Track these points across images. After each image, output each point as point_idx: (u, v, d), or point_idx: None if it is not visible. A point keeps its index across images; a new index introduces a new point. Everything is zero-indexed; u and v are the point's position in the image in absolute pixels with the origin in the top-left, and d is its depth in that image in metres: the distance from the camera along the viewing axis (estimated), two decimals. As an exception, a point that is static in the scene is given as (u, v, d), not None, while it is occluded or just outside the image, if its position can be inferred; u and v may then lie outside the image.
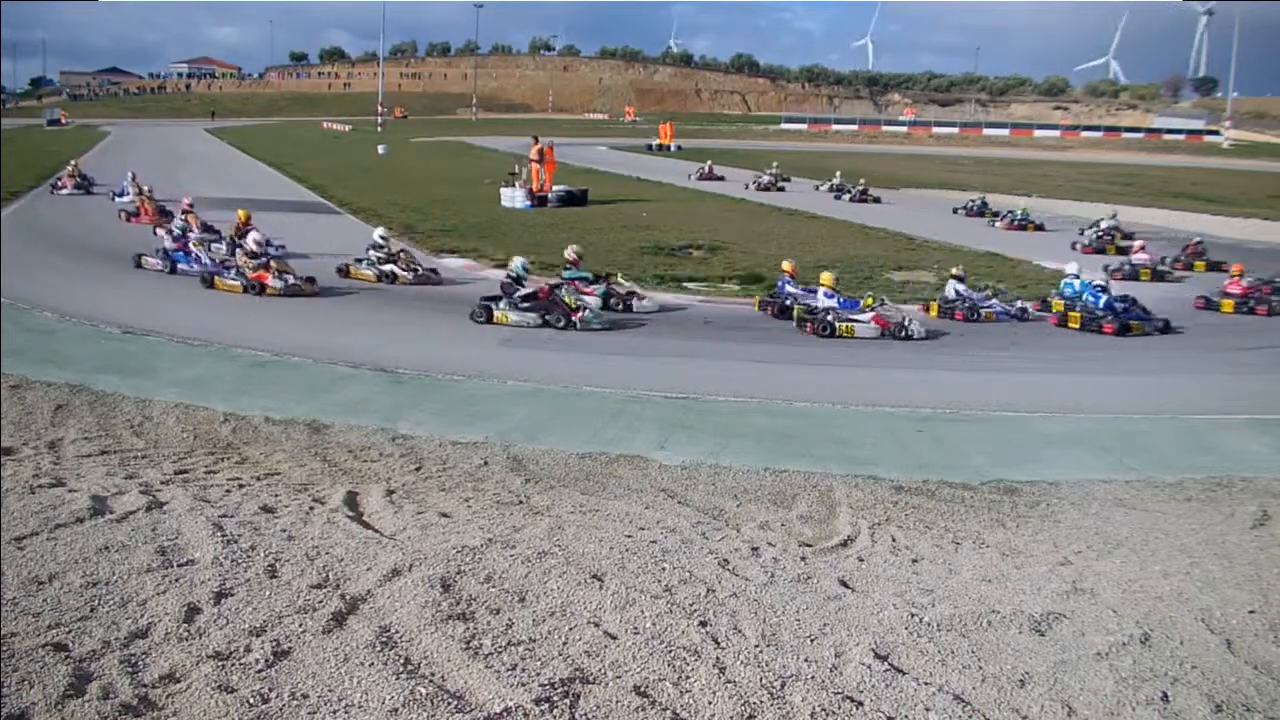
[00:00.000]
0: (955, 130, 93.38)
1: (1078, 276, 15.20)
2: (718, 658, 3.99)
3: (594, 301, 13.63)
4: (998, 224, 26.45)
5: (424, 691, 3.57)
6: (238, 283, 14.26)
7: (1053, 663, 4.13)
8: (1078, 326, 14.17)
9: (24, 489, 5.76)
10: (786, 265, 14.94)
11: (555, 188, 27.65)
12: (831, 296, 13.49)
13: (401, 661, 3.80)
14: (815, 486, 7.08)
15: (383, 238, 16.18)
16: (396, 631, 4.06)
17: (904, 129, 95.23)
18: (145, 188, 22.56)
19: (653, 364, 11.46)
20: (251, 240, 15.19)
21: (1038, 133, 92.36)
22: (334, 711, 3.44)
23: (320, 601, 4.32)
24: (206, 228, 18.36)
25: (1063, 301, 14.86)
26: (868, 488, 7.10)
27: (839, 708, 3.65)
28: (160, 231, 18.04)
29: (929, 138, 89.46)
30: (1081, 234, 23.35)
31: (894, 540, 5.99)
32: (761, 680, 3.82)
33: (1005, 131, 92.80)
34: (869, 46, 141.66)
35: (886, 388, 10.76)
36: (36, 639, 3.80)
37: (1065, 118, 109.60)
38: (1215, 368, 12.63)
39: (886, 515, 6.53)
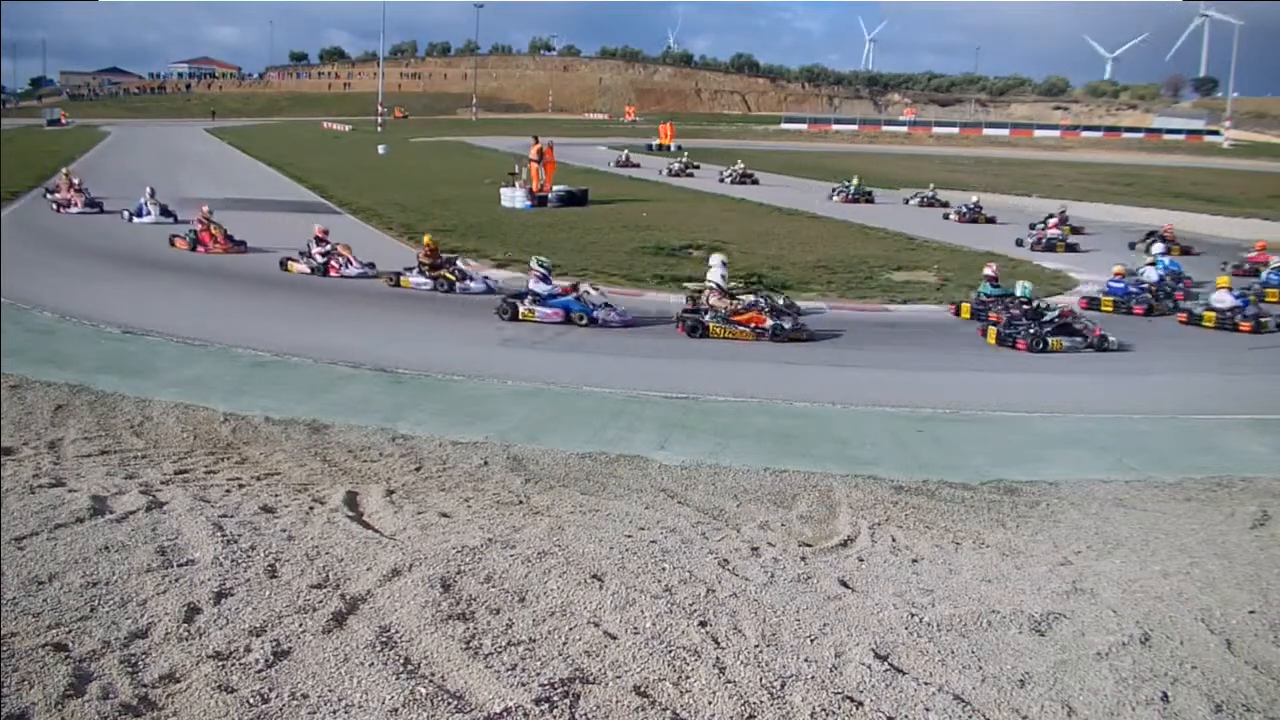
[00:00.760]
0: (955, 130, 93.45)
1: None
2: (718, 658, 3.99)
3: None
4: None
5: (424, 691, 3.57)
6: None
7: (1053, 663, 4.13)
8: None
9: (24, 489, 5.76)
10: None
11: (555, 188, 27.66)
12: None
13: (401, 661, 3.80)
14: (815, 486, 7.08)
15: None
16: (396, 631, 4.06)
17: (904, 129, 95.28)
18: (206, 210, 18.73)
19: (653, 364, 11.46)
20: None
21: (1038, 133, 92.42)
22: (334, 711, 3.44)
23: (320, 601, 4.32)
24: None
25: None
26: (868, 488, 7.10)
27: (839, 708, 3.65)
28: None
29: (929, 138, 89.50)
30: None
31: (894, 540, 5.99)
32: (761, 680, 3.82)
33: (1005, 131, 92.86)
34: (869, 46, 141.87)
35: (886, 388, 10.76)
36: (36, 639, 3.80)
37: (1065, 118, 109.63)
38: (1215, 368, 12.63)
39: (886, 515, 6.53)
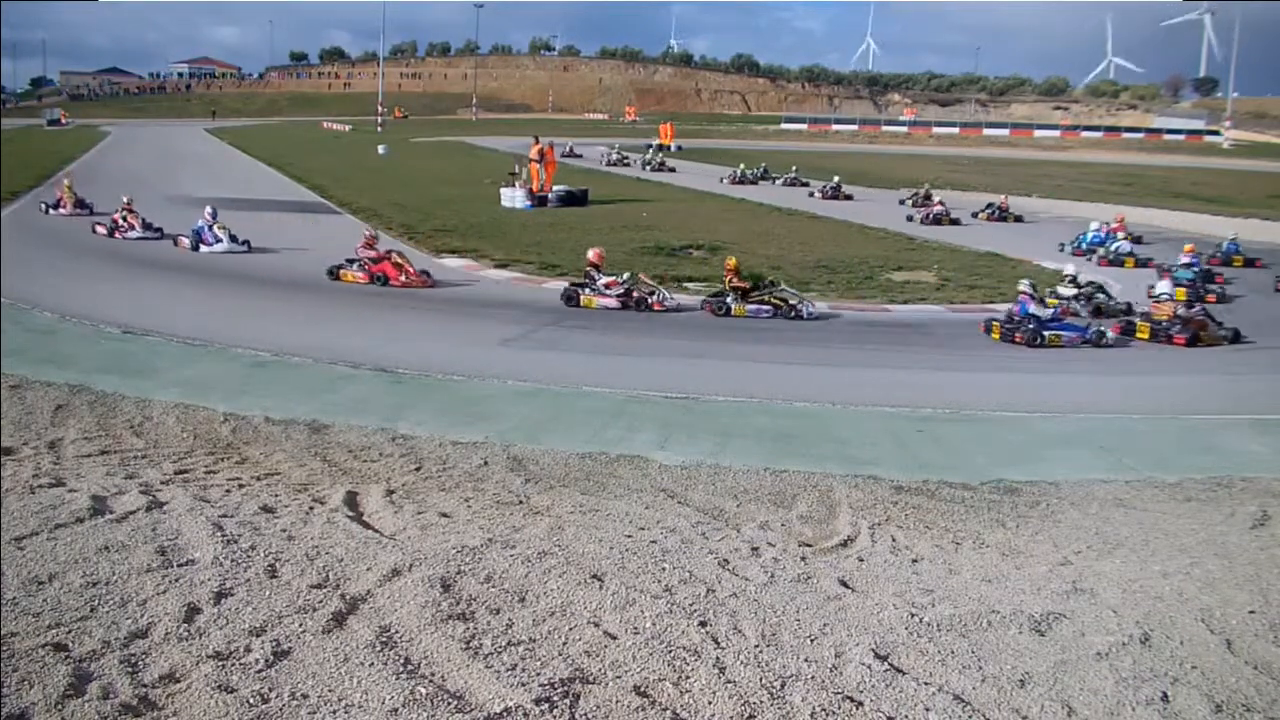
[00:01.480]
0: (955, 130, 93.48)
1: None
2: (718, 658, 3.99)
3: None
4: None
5: (424, 691, 3.57)
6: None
7: (1053, 663, 4.13)
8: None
9: (24, 489, 5.76)
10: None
11: (555, 188, 27.66)
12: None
13: (401, 661, 3.80)
14: (815, 486, 7.08)
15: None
16: (396, 631, 4.06)
17: (904, 129, 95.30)
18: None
19: (653, 364, 11.46)
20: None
21: (1038, 133, 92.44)
22: (334, 711, 3.44)
23: (320, 601, 4.31)
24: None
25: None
26: (868, 488, 7.09)
27: (839, 708, 3.65)
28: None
29: (929, 138, 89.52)
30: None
31: (894, 540, 5.99)
32: (761, 680, 3.82)
33: (1005, 131, 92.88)
34: (870, 46, 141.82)
35: (886, 388, 10.76)
36: (36, 639, 3.80)
37: (1065, 118, 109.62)
38: (1215, 368, 12.63)
39: (886, 515, 6.53)
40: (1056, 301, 14.29)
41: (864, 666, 3.98)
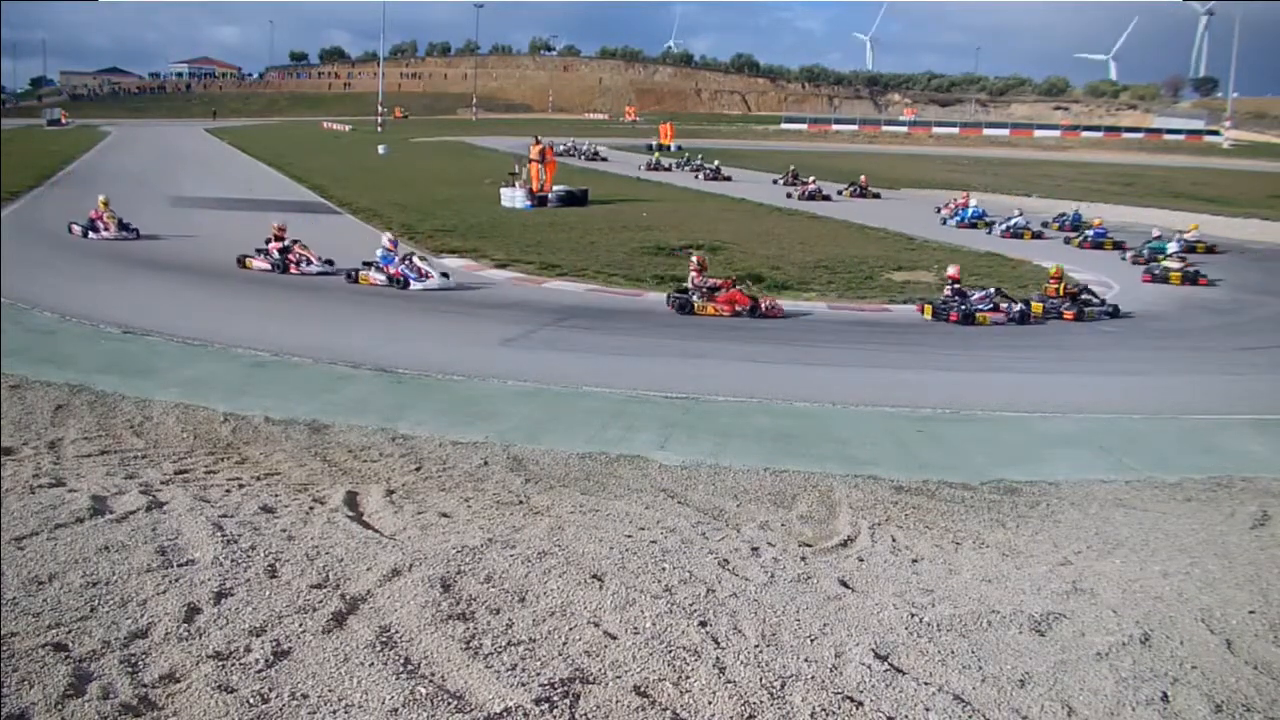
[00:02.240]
0: (955, 130, 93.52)
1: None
2: (718, 658, 3.99)
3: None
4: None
5: (424, 691, 3.57)
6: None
7: (1053, 663, 4.13)
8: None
9: (24, 489, 5.76)
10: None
11: (555, 188, 27.66)
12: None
13: (401, 661, 3.80)
14: (815, 486, 7.08)
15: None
16: (396, 631, 4.06)
17: (904, 129, 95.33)
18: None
19: (653, 364, 11.46)
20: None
21: (1038, 133, 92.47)
22: (334, 711, 3.44)
23: (320, 601, 4.31)
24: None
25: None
26: (868, 488, 7.09)
27: (839, 708, 3.65)
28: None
29: (929, 138, 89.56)
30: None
31: (894, 540, 5.99)
32: (761, 680, 3.82)
33: (1005, 131, 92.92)
34: (869, 46, 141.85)
35: (886, 388, 10.76)
36: (36, 639, 3.80)
37: (1065, 118, 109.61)
38: (1215, 368, 12.64)
39: (886, 515, 6.53)
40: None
41: (864, 666, 3.98)
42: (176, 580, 4.45)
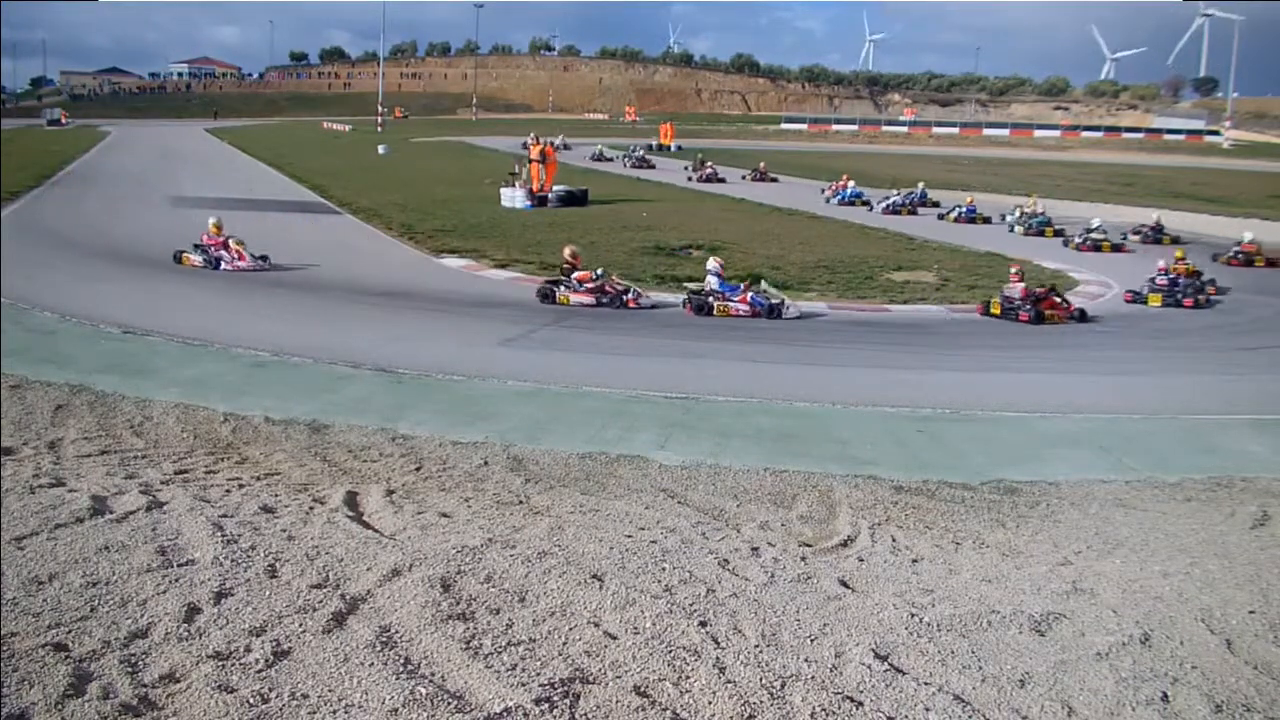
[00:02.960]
0: (955, 130, 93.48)
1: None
2: (718, 658, 3.98)
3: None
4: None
5: (424, 691, 3.57)
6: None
7: (1053, 663, 4.13)
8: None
9: (24, 489, 5.76)
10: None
11: (555, 188, 27.66)
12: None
13: (401, 661, 3.80)
14: (815, 486, 7.08)
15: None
16: (396, 631, 4.06)
17: (904, 129, 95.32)
18: None
19: (653, 364, 11.46)
20: None
21: (1038, 133, 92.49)
22: (334, 711, 3.44)
23: (320, 601, 4.31)
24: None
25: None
26: (868, 488, 7.09)
27: (839, 708, 3.65)
28: None
29: (929, 138, 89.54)
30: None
31: (894, 540, 5.99)
32: (761, 680, 3.82)
33: (1005, 131, 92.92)
34: (869, 46, 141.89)
35: (886, 388, 10.76)
36: (36, 639, 3.80)
37: (1065, 118, 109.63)
38: (1215, 368, 12.64)
39: (886, 515, 6.53)
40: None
41: (864, 666, 3.98)
42: (176, 580, 4.45)
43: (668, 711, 3.55)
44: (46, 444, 7.04)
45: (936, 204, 30.36)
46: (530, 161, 27.78)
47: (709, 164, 40.44)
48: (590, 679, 3.75)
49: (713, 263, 14.70)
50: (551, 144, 30.11)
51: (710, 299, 14.24)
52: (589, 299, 14.29)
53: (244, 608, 4.21)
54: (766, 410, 9.53)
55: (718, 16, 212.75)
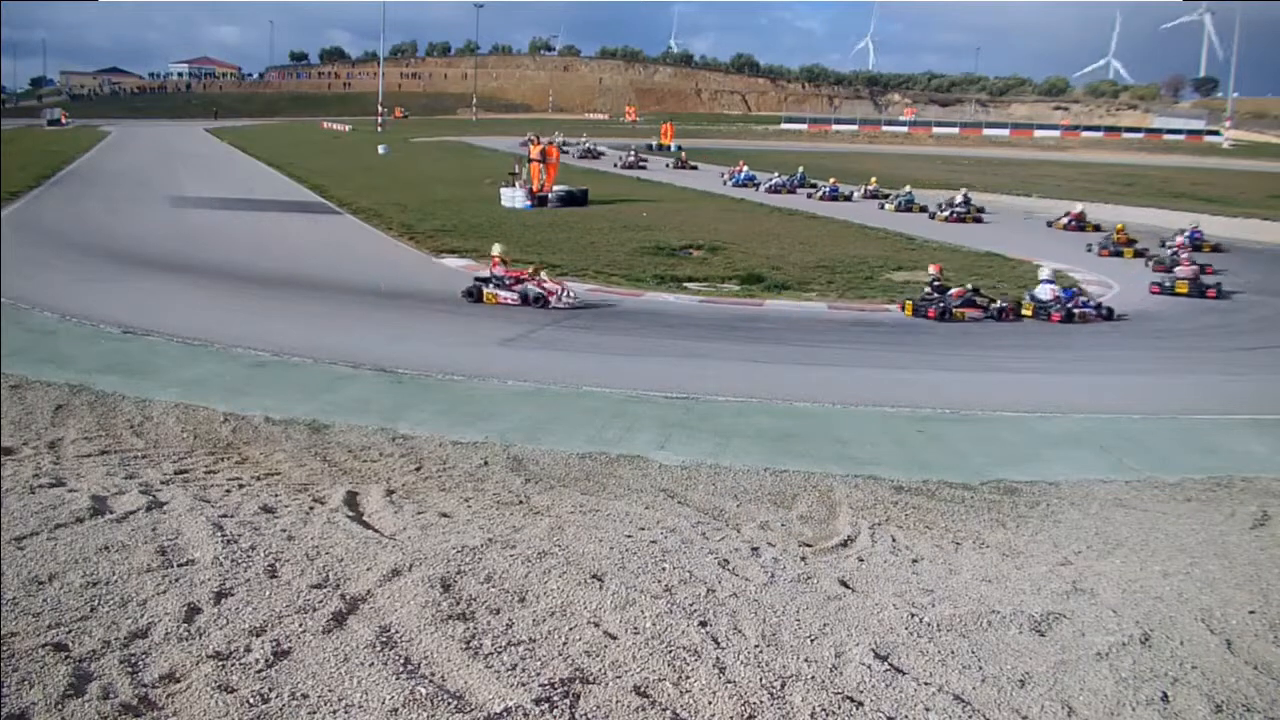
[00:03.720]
0: (955, 130, 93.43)
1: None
2: (718, 658, 3.99)
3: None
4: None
5: (424, 691, 3.57)
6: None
7: (1053, 663, 4.13)
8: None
9: (24, 489, 5.76)
10: None
11: (555, 188, 27.65)
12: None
13: (401, 661, 3.80)
14: (815, 486, 7.08)
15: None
16: (396, 631, 4.06)
17: (904, 129, 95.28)
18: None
19: (653, 364, 11.46)
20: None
21: (1038, 133, 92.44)
22: (334, 711, 3.44)
23: (320, 601, 4.31)
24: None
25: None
26: (868, 488, 7.09)
27: (839, 708, 3.65)
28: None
29: (929, 138, 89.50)
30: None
31: (894, 540, 5.99)
32: (761, 680, 3.82)
33: (1005, 131, 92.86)
34: (869, 46, 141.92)
35: (886, 388, 10.76)
36: (36, 639, 3.80)
37: (1065, 118, 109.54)
38: (1215, 368, 12.63)
39: (886, 515, 6.53)
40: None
41: (864, 666, 3.98)
42: (176, 580, 4.45)
43: (668, 711, 3.55)
44: (46, 444, 7.04)
45: (814, 185, 34.35)
46: (530, 161, 27.77)
47: (633, 153, 46.19)
48: (590, 679, 3.75)
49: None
50: (553, 143, 30.03)
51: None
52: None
53: (244, 608, 4.21)
54: (766, 410, 9.53)
55: (718, 16, 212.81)
